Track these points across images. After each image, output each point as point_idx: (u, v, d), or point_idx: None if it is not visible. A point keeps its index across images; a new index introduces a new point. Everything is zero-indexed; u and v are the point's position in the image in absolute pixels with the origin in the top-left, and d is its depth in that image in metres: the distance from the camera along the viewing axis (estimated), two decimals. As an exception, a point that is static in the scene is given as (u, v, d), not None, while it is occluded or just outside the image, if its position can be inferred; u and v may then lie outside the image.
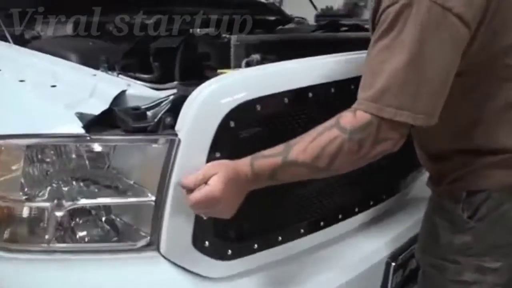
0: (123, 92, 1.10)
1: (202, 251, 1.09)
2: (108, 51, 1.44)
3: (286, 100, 1.07)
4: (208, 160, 1.01)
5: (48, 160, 1.07)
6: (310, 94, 1.10)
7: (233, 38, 1.27)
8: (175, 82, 1.20)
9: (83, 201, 1.07)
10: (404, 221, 1.44)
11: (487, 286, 1.12)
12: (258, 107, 1.04)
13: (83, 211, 1.10)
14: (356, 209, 1.34)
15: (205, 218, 1.05)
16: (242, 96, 1.02)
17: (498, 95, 1.05)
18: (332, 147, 0.93)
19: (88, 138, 1.02)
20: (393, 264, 1.29)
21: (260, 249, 1.17)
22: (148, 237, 1.07)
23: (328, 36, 1.42)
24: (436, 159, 1.17)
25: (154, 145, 1.03)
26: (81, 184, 1.09)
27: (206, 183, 0.95)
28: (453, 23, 0.90)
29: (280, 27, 1.52)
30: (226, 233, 1.12)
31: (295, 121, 1.12)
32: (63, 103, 1.08)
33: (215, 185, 0.94)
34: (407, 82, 0.92)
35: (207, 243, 1.09)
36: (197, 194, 0.95)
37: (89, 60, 1.35)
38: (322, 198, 1.27)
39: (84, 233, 1.09)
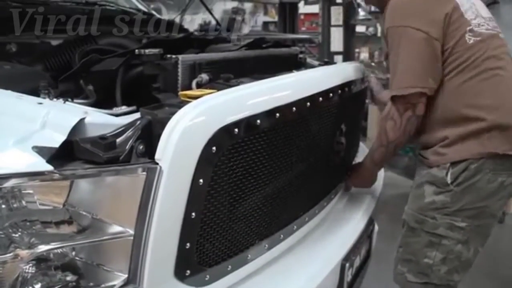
0: (82, 120, 1.01)
1: (183, 280, 1.05)
2: (33, 75, 1.30)
3: (259, 121, 1.08)
4: (191, 188, 0.99)
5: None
6: (279, 114, 1.13)
7: (181, 58, 1.24)
8: (133, 107, 1.13)
9: (45, 247, 0.95)
10: (346, 223, 1.56)
11: (453, 241, 1.49)
12: (236, 131, 1.04)
13: (44, 259, 0.99)
14: (306, 219, 1.41)
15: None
16: (222, 120, 1.01)
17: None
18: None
19: (57, 174, 0.92)
20: (347, 264, 1.39)
21: (233, 269, 1.17)
22: (125, 275, 1.00)
23: (273, 52, 1.47)
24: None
25: (132, 176, 0.97)
26: (39, 226, 0.98)
27: None
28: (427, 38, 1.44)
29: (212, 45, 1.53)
30: (206, 258, 1.09)
31: (271, 141, 1.15)
32: (10, 137, 0.96)
33: None
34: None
35: (188, 271, 1.05)
36: None
37: (10, 86, 1.20)
38: (280, 214, 1.30)
39: (50, 283, 0.97)
